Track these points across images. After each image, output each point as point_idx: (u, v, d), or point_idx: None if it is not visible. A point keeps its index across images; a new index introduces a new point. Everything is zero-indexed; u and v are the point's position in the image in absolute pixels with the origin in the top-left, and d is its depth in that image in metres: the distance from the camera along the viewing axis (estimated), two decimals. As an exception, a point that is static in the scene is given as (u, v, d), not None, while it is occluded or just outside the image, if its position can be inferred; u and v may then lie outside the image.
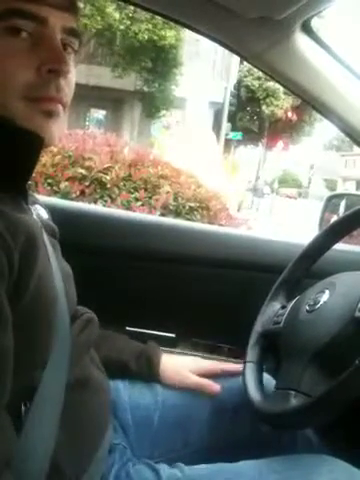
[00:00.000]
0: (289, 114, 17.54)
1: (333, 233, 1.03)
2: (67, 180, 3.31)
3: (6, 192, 0.63)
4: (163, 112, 12.79)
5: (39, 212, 0.80)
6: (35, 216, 0.74)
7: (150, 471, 0.75)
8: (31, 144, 0.64)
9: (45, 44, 0.62)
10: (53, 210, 0.89)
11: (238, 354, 1.06)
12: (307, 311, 0.88)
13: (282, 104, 16.71)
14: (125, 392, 0.92)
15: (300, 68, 1.06)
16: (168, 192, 3.50)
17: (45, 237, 0.74)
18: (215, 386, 0.94)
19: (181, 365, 0.97)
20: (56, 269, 0.72)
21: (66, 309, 0.71)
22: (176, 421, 0.91)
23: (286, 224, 8.85)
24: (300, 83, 1.08)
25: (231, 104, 15.66)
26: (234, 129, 16.87)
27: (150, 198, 3.45)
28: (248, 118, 17.80)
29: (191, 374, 0.96)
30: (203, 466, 0.77)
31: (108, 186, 3.40)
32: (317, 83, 1.08)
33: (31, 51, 0.62)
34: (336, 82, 1.07)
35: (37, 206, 0.81)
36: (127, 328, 1.26)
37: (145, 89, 12.54)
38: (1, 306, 0.54)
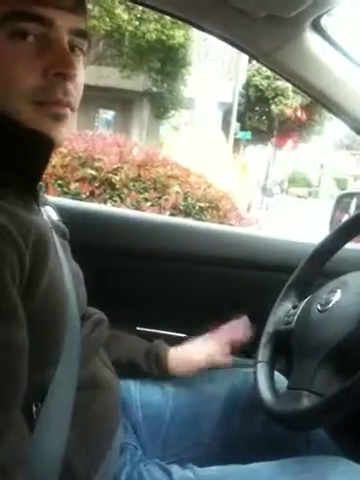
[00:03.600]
0: (298, 113, 17.45)
1: (344, 232, 1.02)
2: (77, 181, 3.32)
3: (17, 194, 0.63)
4: (172, 112, 12.81)
5: (49, 213, 0.80)
6: (45, 217, 0.74)
7: (162, 472, 0.75)
8: (41, 146, 0.64)
9: (52, 47, 0.61)
10: (63, 210, 0.89)
11: (249, 354, 1.05)
12: (319, 311, 0.87)
13: (291, 103, 16.63)
14: (136, 391, 0.92)
15: (310, 66, 1.05)
16: (178, 192, 3.49)
17: (55, 238, 0.74)
18: (224, 357, 0.95)
19: (188, 351, 0.97)
20: (66, 270, 0.72)
21: (76, 310, 0.71)
22: (187, 420, 0.91)
23: (297, 224, 8.80)
24: (310, 82, 1.08)
25: (240, 104, 15.64)
26: (243, 129, 16.85)
27: (160, 198, 3.45)
28: (257, 118, 17.73)
29: (199, 356, 0.96)
30: (215, 467, 0.77)
31: (117, 187, 3.41)
32: (328, 81, 1.07)
33: (37, 54, 0.61)
34: (347, 80, 1.06)
35: (47, 207, 0.81)
36: (137, 328, 1.27)
37: (154, 89, 12.56)
38: (16, 307, 0.54)
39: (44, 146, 0.64)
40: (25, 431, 0.56)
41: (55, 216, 0.84)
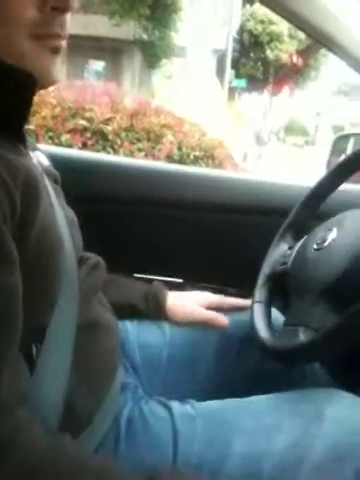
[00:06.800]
0: (294, 59, 16.97)
1: (340, 172, 1.01)
2: (68, 132, 3.26)
3: (3, 137, 0.61)
4: (164, 61, 12.43)
5: (40, 158, 0.79)
6: (35, 161, 0.73)
7: (163, 408, 0.77)
8: (24, 84, 0.62)
9: None
10: (55, 158, 0.88)
11: (246, 297, 1.06)
12: (315, 249, 0.87)
13: (287, 48, 16.14)
14: (133, 332, 0.93)
15: (311, 4, 1.00)
16: (171, 142, 3.45)
17: (47, 182, 0.73)
18: (223, 319, 0.95)
19: (188, 301, 0.98)
20: (60, 214, 0.72)
21: (72, 252, 0.71)
22: (184, 359, 0.92)
23: (293, 172, 8.75)
24: (311, 21, 1.03)
25: (234, 50, 15.18)
26: (238, 76, 16.45)
27: (153, 148, 3.40)
28: (252, 64, 17.22)
29: (199, 308, 0.97)
30: (214, 402, 0.79)
31: (110, 137, 3.35)
32: (329, 20, 1.02)
33: None
34: (349, 18, 1.02)
35: (37, 153, 0.80)
36: (134, 274, 1.27)
37: (145, 38, 12.13)
38: (8, 246, 0.53)
39: (27, 84, 0.62)
40: (25, 369, 0.57)
41: (46, 161, 0.83)
